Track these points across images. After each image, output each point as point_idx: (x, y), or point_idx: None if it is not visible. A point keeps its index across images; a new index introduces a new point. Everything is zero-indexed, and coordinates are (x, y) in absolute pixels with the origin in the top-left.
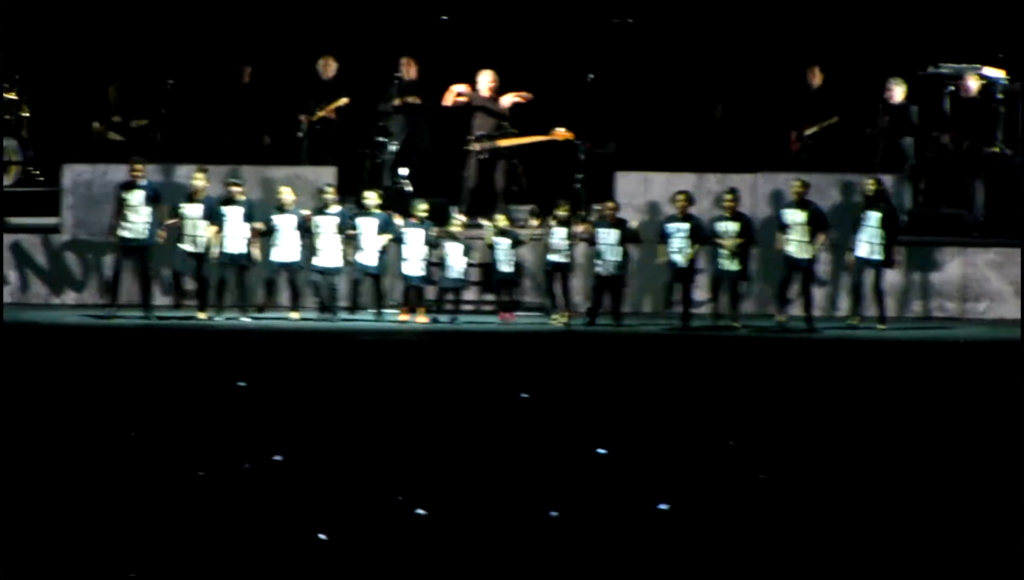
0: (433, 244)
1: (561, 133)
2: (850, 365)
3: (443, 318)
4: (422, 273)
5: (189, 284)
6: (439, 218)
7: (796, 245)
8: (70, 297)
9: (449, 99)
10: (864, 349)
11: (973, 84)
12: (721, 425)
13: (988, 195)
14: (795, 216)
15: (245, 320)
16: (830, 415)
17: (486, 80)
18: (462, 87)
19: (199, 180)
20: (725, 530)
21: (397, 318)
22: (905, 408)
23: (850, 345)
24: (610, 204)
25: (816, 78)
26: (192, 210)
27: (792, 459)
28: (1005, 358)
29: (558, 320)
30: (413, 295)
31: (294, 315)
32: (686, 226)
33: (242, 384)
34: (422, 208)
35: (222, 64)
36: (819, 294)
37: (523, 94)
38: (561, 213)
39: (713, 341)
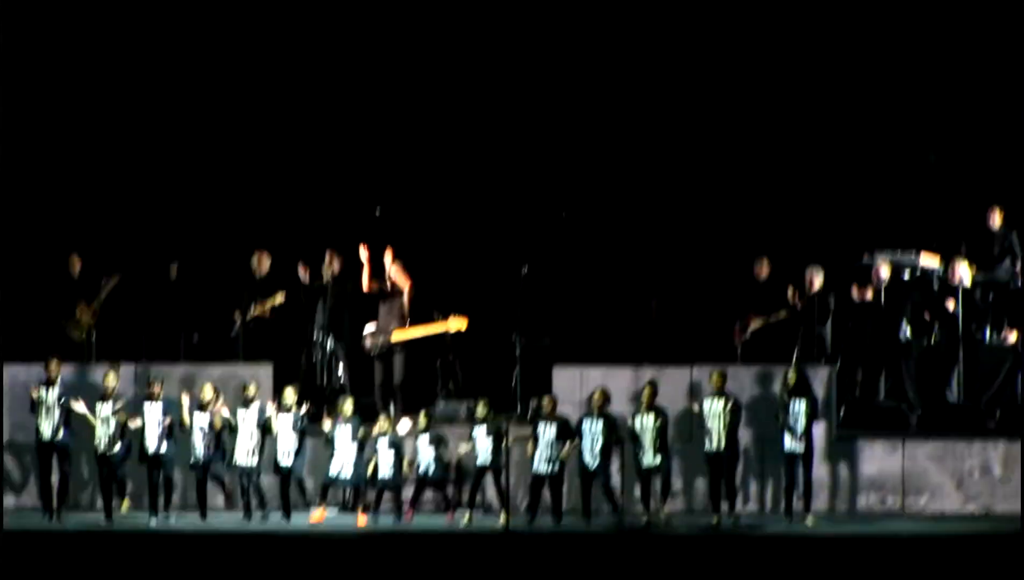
0: (361, 443)
1: (455, 321)
2: (796, 562)
3: (384, 517)
4: (353, 473)
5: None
6: (369, 415)
7: (716, 437)
8: (9, 500)
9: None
10: (806, 546)
11: (884, 272)
12: None
13: (919, 386)
14: (715, 406)
15: (172, 519)
16: None
17: (387, 263)
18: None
19: (110, 379)
20: None
21: (309, 519)
22: None
23: (791, 542)
24: (547, 400)
25: (764, 270)
26: (104, 409)
27: None
28: (947, 554)
29: (468, 520)
30: (349, 495)
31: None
32: (600, 423)
33: None
34: (347, 406)
35: (149, 261)
36: (752, 488)
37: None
38: (481, 412)
39: (654, 539)
